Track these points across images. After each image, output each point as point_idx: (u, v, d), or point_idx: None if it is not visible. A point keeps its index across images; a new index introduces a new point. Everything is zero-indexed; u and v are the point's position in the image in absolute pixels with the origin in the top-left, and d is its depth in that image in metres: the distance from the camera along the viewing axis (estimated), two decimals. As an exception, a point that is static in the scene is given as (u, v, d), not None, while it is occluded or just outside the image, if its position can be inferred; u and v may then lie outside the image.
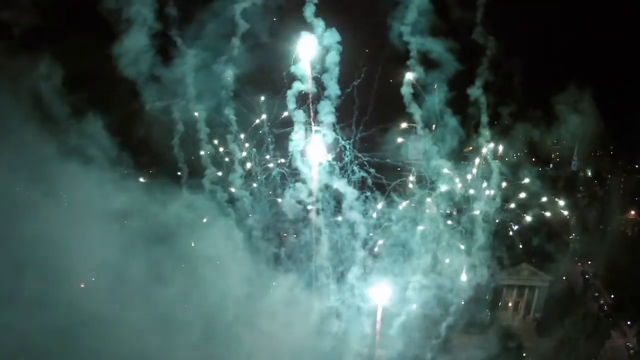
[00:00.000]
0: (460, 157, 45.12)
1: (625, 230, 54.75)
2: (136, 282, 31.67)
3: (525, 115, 44.23)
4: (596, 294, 54.26)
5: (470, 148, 45.01)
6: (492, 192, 44.05)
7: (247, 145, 41.98)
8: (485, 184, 45.04)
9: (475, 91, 38.48)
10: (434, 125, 40.51)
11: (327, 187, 36.92)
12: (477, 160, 45.56)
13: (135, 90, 32.76)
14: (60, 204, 31.45)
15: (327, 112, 33.37)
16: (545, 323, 52.21)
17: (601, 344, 48.74)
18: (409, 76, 35.84)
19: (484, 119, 39.75)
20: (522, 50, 41.68)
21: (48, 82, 30.11)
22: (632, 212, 54.69)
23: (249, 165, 41.27)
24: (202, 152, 38.66)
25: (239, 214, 39.64)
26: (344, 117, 36.33)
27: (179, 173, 39.68)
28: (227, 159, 40.41)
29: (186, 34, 33.32)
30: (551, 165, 56.09)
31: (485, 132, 40.57)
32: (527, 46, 43.19)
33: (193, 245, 36.42)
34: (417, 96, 37.02)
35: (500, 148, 46.67)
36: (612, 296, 52.99)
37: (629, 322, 50.45)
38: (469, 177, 45.93)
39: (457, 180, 44.00)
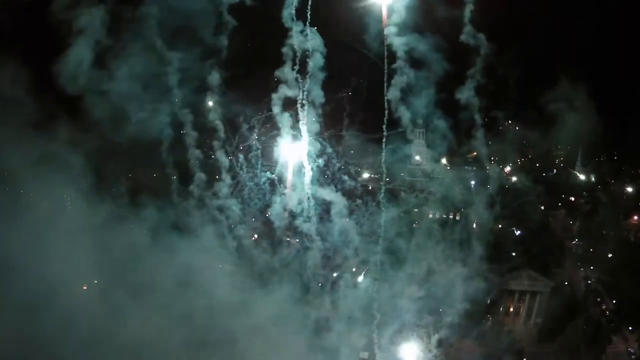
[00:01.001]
0: (460, 162, 44.70)
1: (628, 236, 54.02)
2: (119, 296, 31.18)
3: (526, 119, 43.81)
4: (598, 299, 53.54)
5: (475, 153, 44.22)
6: (493, 197, 43.20)
7: (235, 151, 41.24)
8: (486, 189, 44.20)
9: (472, 95, 37.73)
10: (430, 131, 39.97)
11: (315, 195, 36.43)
12: (477, 166, 45.03)
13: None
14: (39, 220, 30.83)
15: (313, 120, 32.74)
16: (546, 328, 51.37)
17: (603, 350, 48.29)
18: (400, 79, 35.09)
19: (483, 123, 39.14)
20: (522, 53, 40.94)
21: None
22: (635, 218, 54.08)
23: (236, 172, 40.52)
24: (189, 160, 37.90)
25: (229, 222, 38.96)
26: (332, 124, 35.91)
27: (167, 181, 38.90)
28: (215, 167, 39.59)
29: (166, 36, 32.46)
30: (554, 171, 55.35)
31: (485, 137, 40.00)
32: (528, 49, 42.33)
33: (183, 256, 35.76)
34: (410, 100, 36.35)
35: (501, 153, 46.03)
36: (614, 301, 52.18)
37: (630, 328, 49.65)
38: (470, 183, 45.35)
39: (457, 185, 43.54)
